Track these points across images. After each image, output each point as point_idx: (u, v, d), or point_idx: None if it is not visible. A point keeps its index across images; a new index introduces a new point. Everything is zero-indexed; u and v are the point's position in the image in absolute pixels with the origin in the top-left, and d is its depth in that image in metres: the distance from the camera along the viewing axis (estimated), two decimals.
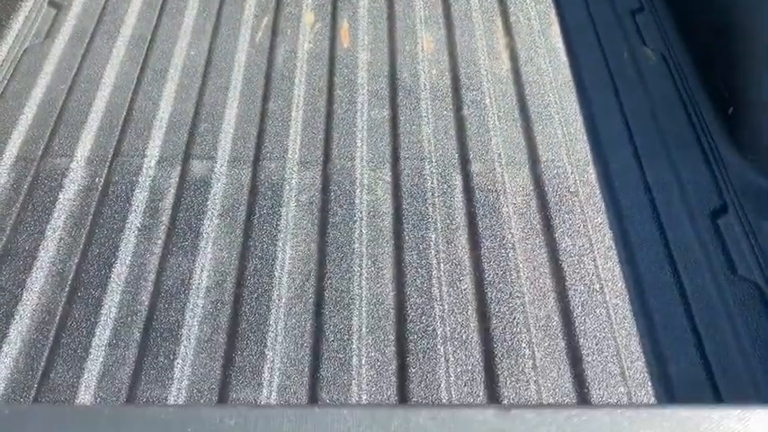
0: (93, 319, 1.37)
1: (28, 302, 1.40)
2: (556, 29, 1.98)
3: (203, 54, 1.92)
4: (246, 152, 1.67)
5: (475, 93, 1.81)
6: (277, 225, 1.53)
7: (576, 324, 1.37)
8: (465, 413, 0.50)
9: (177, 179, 1.61)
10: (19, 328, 1.35)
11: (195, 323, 1.37)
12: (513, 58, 1.90)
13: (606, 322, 1.37)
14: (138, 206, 1.56)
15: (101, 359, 1.32)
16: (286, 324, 1.37)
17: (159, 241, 1.50)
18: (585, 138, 1.71)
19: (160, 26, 1.99)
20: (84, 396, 1.27)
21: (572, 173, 1.63)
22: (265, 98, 1.80)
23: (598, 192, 1.60)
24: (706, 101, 1.79)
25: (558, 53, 1.92)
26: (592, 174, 1.64)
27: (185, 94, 1.81)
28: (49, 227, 1.51)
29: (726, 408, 0.56)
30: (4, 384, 1.28)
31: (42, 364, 1.31)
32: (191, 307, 1.39)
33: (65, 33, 1.96)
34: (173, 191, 1.59)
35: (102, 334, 1.35)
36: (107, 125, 1.73)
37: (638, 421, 0.51)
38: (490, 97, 1.80)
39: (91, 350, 1.33)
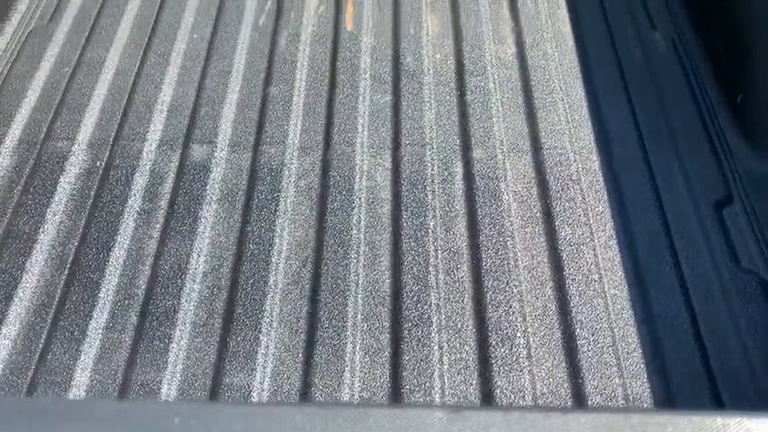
0: (90, 303, 1.39)
1: (27, 285, 1.41)
2: (563, 13, 1.95)
3: (206, 37, 1.91)
4: (247, 137, 1.67)
5: (479, 78, 1.79)
6: (275, 210, 1.52)
7: (573, 314, 1.36)
8: (415, 413, 0.49)
9: (177, 163, 1.61)
10: (18, 310, 1.37)
11: (191, 308, 1.37)
12: (519, 43, 1.87)
13: (603, 313, 1.36)
14: (137, 190, 1.56)
15: (97, 342, 1.33)
16: (281, 310, 1.37)
17: (158, 225, 1.50)
18: (590, 125, 1.68)
19: (164, 8, 1.99)
20: (81, 378, 1.28)
21: (575, 160, 1.61)
22: (267, 82, 1.79)
23: (601, 180, 1.58)
24: (715, 88, 1.75)
25: (565, 38, 1.88)
26: (595, 161, 1.61)
27: (187, 77, 1.80)
28: (49, 210, 1.52)
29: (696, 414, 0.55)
30: (2, 365, 1.30)
31: (40, 345, 1.33)
32: (187, 291, 1.39)
33: (69, 15, 1.96)
34: (172, 175, 1.59)
35: (100, 317, 1.37)
36: (109, 108, 1.73)
37: (597, 428, 0.50)
38: (494, 82, 1.78)
39: (88, 333, 1.34)
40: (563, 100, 1.73)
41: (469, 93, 1.75)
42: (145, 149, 1.64)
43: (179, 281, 1.41)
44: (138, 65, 1.83)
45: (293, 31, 1.92)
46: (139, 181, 1.58)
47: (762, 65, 1.67)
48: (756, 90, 1.67)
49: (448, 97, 1.75)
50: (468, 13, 1.95)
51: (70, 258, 1.45)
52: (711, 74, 1.79)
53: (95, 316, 1.36)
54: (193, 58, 1.85)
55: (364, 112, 1.73)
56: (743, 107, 1.68)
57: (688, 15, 1.92)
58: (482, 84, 1.77)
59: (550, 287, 1.40)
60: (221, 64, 1.83)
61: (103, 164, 1.61)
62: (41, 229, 1.49)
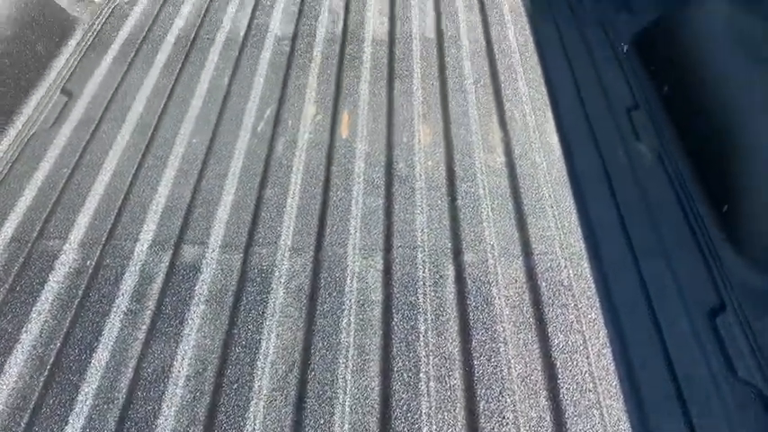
0: (68, 407, 1.33)
1: (4, 386, 1.36)
2: (551, 125, 2.02)
3: (205, 142, 1.96)
4: (239, 238, 1.68)
5: (469, 184, 1.82)
6: (263, 312, 1.50)
7: (568, 425, 1.31)
8: None
9: (167, 264, 1.61)
10: None
11: (172, 413, 1.32)
12: (508, 152, 1.93)
13: (599, 424, 1.31)
14: (125, 290, 1.55)
15: None
16: (265, 417, 1.32)
17: (143, 327, 1.48)
18: (580, 231, 1.70)
19: (166, 114, 2.05)
20: None
21: (565, 266, 1.61)
22: (262, 185, 1.82)
23: (592, 286, 1.57)
24: (701, 198, 1.78)
25: (553, 148, 1.94)
26: (586, 268, 1.61)
27: (184, 179, 1.83)
28: (34, 309, 1.50)
29: None
30: None
31: None
32: (169, 396, 1.35)
33: (72, 120, 2.02)
34: (162, 275, 1.58)
35: (76, 422, 1.31)
36: (104, 209, 1.74)
37: None
38: (484, 189, 1.81)
39: None
40: (552, 207, 1.76)
41: (460, 198, 1.78)
42: (136, 249, 1.64)
43: (161, 385, 1.36)
44: (135, 167, 1.87)
45: (290, 137, 1.98)
46: (128, 281, 1.57)
47: (747, 176, 1.72)
48: (742, 200, 1.71)
49: (439, 202, 1.78)
50: (459, 124, 2.02)
51: (51, 360, 1.41)
52: (697, 184, 1.83)
53: (71, 421, 1.31)
54: (191, 161, 1.89)
55: (357, 215, 1.74)
56: (729, 217, 1.71)
57: (672, 128, 1.99)
58: (472, 190, 1.81)
59: (544, 396, 1.36)
60: (218, 167, 1.87)
61: (93, 263, 1.61)
62: (24, 329, 1.46)
